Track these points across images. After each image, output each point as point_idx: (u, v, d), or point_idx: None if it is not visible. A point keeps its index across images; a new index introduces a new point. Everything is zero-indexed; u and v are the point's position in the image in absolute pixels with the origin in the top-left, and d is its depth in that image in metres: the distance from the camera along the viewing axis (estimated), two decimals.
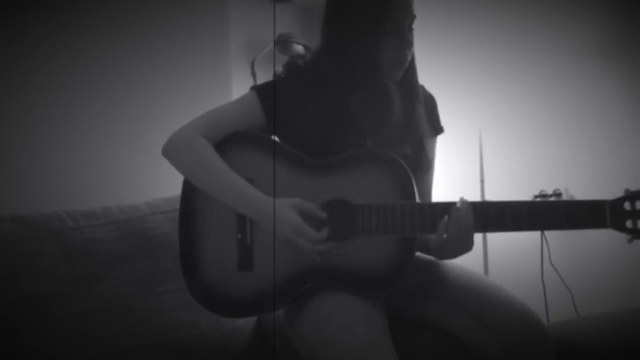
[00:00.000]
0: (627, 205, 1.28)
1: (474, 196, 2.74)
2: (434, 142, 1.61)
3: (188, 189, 1.47)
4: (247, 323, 1.79)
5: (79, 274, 1.61)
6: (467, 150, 2.75)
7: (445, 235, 1.30)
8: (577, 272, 2.63)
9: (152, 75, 2.22)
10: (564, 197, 2.70)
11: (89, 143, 2.09)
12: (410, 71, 1.51)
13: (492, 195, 2.72)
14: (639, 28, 2.44)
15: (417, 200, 1.34)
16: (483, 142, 2.71)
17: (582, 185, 2.64)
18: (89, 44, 2.11)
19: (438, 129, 1.60)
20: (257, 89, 1.51)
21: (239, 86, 2.02)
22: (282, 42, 2.56)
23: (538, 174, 2.75)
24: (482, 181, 2.70)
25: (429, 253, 1.47)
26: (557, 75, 2.67)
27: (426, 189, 1.59)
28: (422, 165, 1.50)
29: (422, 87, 1.60)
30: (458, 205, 1.29)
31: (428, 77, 2.58)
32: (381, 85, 1.43)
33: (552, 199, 2.75)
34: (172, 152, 1.46)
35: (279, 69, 1.60)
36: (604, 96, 2.55)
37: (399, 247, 1.33)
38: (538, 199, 2.77)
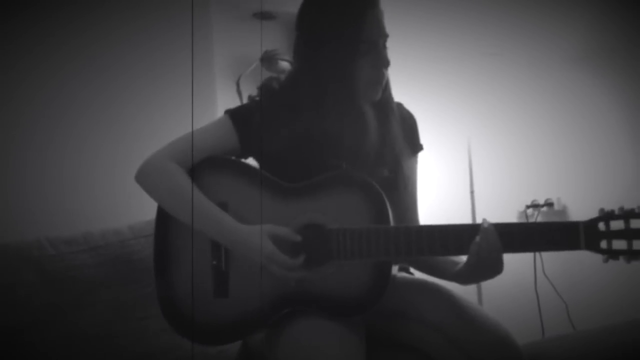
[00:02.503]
0: (601, 226, 1.26)
1: (464, 208, 2.73)
2: (414, 160, 1.60)
3: (162, 214, 1.46)
4: (232, 345, 1.77)
5: (58, 302, 1.60)
6: (456, 162, 2.74)
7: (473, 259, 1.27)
8: (571, 283, 2.60)
9: (135, 96, 2.22)
10: (556, 207, 2.68)
11: (73, 165, 2.08)
12: (386, 90, 1.50)
13: (482, 207, 2.71)
14: (628, 35, 2.42)
15: (392, 223, 1.33)
16: (472, 154, 2.70)
17: (574, 194, 2.63)
18: (67, 68, 2.11)
19: (417, 148, 1.59)
20: (231, 113, 1.51)
21: (224, 105, 2.01)
22: (268, 59, 2.56)
23: (529, 184, 2.74)
24: (472, 192, 2.69)
25: (444, 277, 1.45)
26: (546, 84, 2.66)
27: (407, 208, 1.57)
28: (399, 185, 1.48)
29: (401, 106, 1.59)
30: (485, 225, 1.26)
31: (415, 90, 2.61)
32: (356, 107, 1.42)
33: (544, 209, 2.73)
34: (144, 178, 1.45)
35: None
36: (594, 104, 2.54)
37: (375, 271, 1.31)
38: (530, 209, 2.76)
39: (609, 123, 2.50)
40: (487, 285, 2.83)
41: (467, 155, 2.69)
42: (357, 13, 1.39)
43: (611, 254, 1.26)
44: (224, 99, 2.39)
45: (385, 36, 1.44)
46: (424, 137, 2.53)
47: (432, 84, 2.60)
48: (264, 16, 2.54)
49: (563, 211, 2.66)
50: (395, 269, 1.40)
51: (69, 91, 2.10)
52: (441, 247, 1.29)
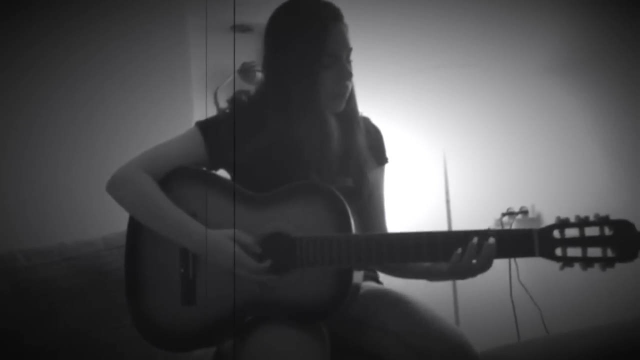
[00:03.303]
0: (556, 233, 1.29)
1: (440, 216, 2.77)
2: (380, 171, 1.63)
3: (133, 223, 1.49)
4: (205, 354, 1.79)
5: (31, 313, 1.63)
6: (431, 172, 2.78)
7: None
8: (545, 289, 2.64)
9: (109, 108, 2.24)
10: (530, 215, 2.72)
11: (48, 177, 2.10)
12: (351, 102, 1.54)
13: (458, 216, 2.75)
14: (599, 46, 2.47)
15: (354, 231, 1.36)
16: (447, 163, 2.74)
17: (548, 201, 2.67)
18: (44, 81, 2.14)
19: (382, 160, 1.63)
20: (200, 125, 1.54)
21: (201, 117, 2.04)
22: (245, 71, 2.60)
23: (504, 192, 2.78)
24: (447, 202, 2.73)
25: (422, 277, 1.48)
26: (519, 94, 2.70)
27: (373, 216, 1.61)
28: (363, 194, 1.52)
29: (367, 120, 1.63)
30: (474, 242, 1.29)
31: (388, 102, 2.65)
32: (320, 118, 1.46)
33: (519, 216, 2.77)
34: (115, 188, 1.48)
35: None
36: (566, 113, 2.58)
37: (337, 278, 1.34)
38: (505, 217, 2.80)
39: (581, 131, 2.54)
40: (463, 290, 2.87)
41: (442, 164, 2.73)
42: (321, 27, 1.44)
43: (566, 261, 1.29)
44: (201, 111, 2.42)
45: (348, 50, 1.48)
46: (399, 148, 2.57)
47: (405, 95, 2.64)
48: (241, 29, 2.58)
49: (537, 218, 2.70)
50: (359, 278, 1.43)
51: (42, 105, 2.13)
52: (400, 255, 1.32)
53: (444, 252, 1.31)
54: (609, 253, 1.29)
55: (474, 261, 1.30)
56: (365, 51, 2.34)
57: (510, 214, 2.76)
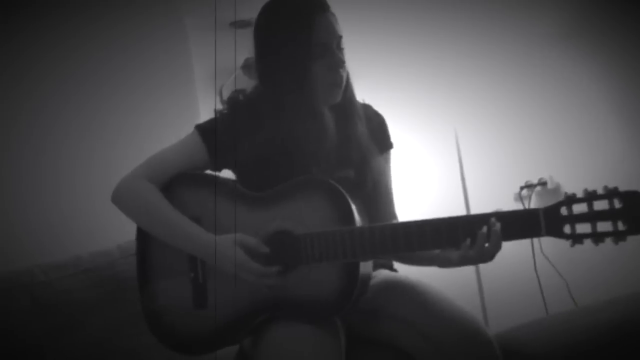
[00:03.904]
0: (564, 210, 1.26)
1: (456, 196, 2.73)
2: (385, 158, 1.61)
3: (142, 231, 1.51)
4: (227, 355, 1.81)
5: (51, 327, 1.65)
6: (445, 152, 2.74)
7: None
8: (570, 260, 2.60)
9: (118, 116, 2.25)
10: (549, 185, 2.67)
11: (58, 189, 2.12)
12: (348, 91, 1.52)
13: (475, 194, 2.71)
14: (609, 12, 2.40)
15: (357, 223, 1.35)
16: (460, 142, 2.70)
17: (565, 171, 2.62)
18: (46, 88, 2.15)
19: (386, 146, 1.61)
20: (199, 128, 1.54)
21: (207, 116, 2.05)
22: (249, 67, 2.57)
23: (520, 166, 2.73)
24: (462, 179, 2.69)
25: (433, 264, 1.44)
26: (528, 65, 2.65)
27: (381, 205, 1.59)
28: (367, 184, 1.50)
29: (368, 107, 1.61)
30: (484, 231, 1.26)
31: (398, 86, 2.60)
32: (314, 111, 1.45)
33: (538, 188, 2.73)
34: (119, 199, 1.49)
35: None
36: (578, 81, 2.53)
37: (344, 271, 1.33)
38: (524, 190, 2.75)
39: (594, 99, 2.48)
40: (486, 268, 2.84)
41: (455, 143, 2.69)
42: (307, 18, 1.43)
43: (575, 239, 1.26)
44: (207, 110, 2.42)
45: (338, 38, 1.46)
46: (411, 132, 2.54)
47: (412, 76, 2.61)
48: (240, 24, 2.56)
49: (556, 189, 2.65)
50: (368, 268, 1.42)
51: (51, 113, 2.14)
52: (405, 245, 1.31)
53: (448, 240, 1.29)
54: (620, 226, 1.26)
55: (486, 245, 1.28)
56: (370, 34, 2.32)
57: (528, 186, 2.72)
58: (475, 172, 2.74)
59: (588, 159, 2.51)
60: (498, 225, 1.26)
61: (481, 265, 2.82)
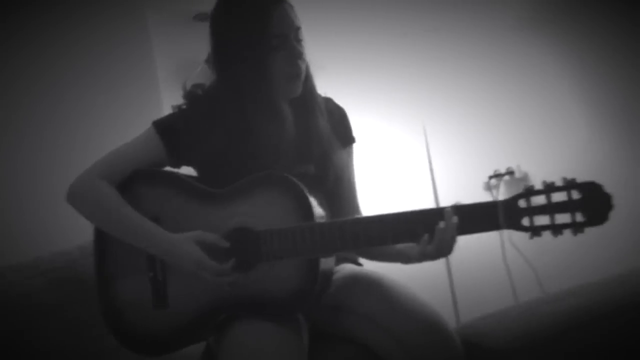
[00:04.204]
0: (522, 203, 1.26)
1: (426, 188, 2.73)
2: (347, 152, 1.59)
3: (100, 230, 1.48)
4: (192, 354, 1.79)
5: (12, 330, 1.61)
6: (413, 145, 2.74)
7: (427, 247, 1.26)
8: (539, 248, 2.62)
9: (78, 113, 2.20)
10: (517, 175, 2.68)
11: (23, 188, 2.07)
12: (307, 84, 1.50)
13: (444, 184, 2.72)
14: None
15: (319, 219, 1.33)
16: (427, 131, 2.70)
17: (533, 160, 2.63)
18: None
19: (348, 140, 1.59)
20: (156, 124, 1.51)
21: (171, 111, 2.01)
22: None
23: (488, 156, 2.74)
24: (431, 170, 2.69)
25: (397, 260, 1.44)
26: (495, 54, 2.65)
27: (344, 200, 1.58)
28: (328, 180, 1.49)
29: (329, 100, 1.59)
30: (442, 226, 1.24)
31: (363, 80, 2.58)
32: (273, 105, 1.43)
33: (506, 177, 2.74)
34: (74, 199, 1.46)
35: None
36: (543, 69, 2.54)
37: (304, 269, 1.32)
38: (493, 180, 2.76)
39: (561, 88, 2.50)
40: (456, 258, 2.85)
41: (423, 135, 2.69)
42: (263, 9, 1.41)
43: (534, 231, 1.26)
44: (171, 105, 2.38)
45: (295, 29, 1.44)
46: (378, 124, 2.53)
47: (379, 67, 2.59)
48: (203, 17, 2.52)
49: (524, 178, 2.66)
50: (330, 264, 1.41)
51: (7, 110, 2.09)
52: (365, 240, 1.29)
53: (407, 234, 1.28)
54: (579, 217, 1.25)
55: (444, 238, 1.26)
56: (337, 28, 2.29)
57: (496, 176, 2.73)
58: (444, 163, 2.75)
59: (555, 148, 2.53)
60: (455, 218, 1.25)
61: (451, 256, 2.84)
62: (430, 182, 2.69)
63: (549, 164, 2.51)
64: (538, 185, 1.26)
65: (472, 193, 2.58)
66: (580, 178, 1.26)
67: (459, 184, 2.73)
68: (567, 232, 1.26)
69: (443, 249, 1.26)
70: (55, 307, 1.67)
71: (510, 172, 2.69)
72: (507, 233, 2.65)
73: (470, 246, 2.75)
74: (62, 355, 1.64)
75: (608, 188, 1.24)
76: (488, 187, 2.74)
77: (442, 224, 1.24)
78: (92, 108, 2.23)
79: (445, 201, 2.38)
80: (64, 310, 1.68)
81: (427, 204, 2.48)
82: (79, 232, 1.86)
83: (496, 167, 2.72)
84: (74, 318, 1.69)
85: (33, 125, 2.14)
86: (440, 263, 2.72)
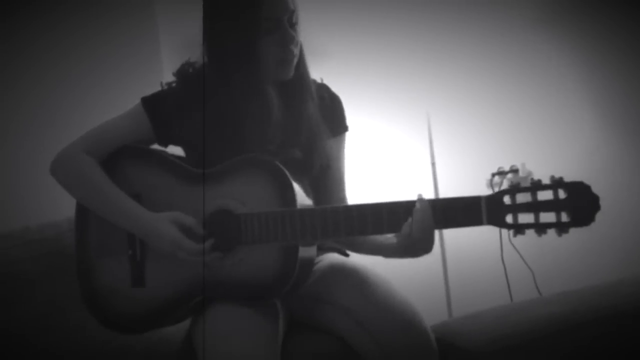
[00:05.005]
0: (507, 199, 1.23)
1: (426, 181, 2.69)
2: (337, 141, 1.57)
3: (81, 206, 1.47)
4: (175, 333, 1.78)
5: None
6: (415, 134, 2.69)
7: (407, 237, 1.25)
8: (539, 249, 2.57)
9: (76, 89, 2.20)
10: (521, 173, 2.63)
11: (14, 160, 2.07)
12: (300, 68, 1.48)
13: (445, 178, 2.67)
14: None
15: (299, 206, 1.31)
16: (432, 125, 2.65)
17: (538, 159, 2.57)
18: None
19: (339, 128, 1.56)
20: (144, 101, 1.50)
21: None
22: None
23: (493, 152, 2.69)
24: (433, 164, 2.65)
25: (380, 253, 1.43)
26: (505, 51, 2.59)
27: (330, 188, 1.56)
28: (314, 166, 1.47)
29: (324, 87, 1.57)
30: (418, 206, 1.23)
31: (369, 69, 2.54)
32: (259, 88, 1.41)
33: (510, 175, 2.69)
34: (56, 171, 1.46)
35: None
36: (551, 67, 2.49)
37: (283, 256, 1.30)
38: (496, 177, 2.71)
39: (568, 86, 2.45)
40: (452, 253, 2.81)
41: (426, 126, 2.65)
42: None
43: (517, 229, 1.23)
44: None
45: (290, 12, 1.41)
46: (381, 114, 2.49)
47: (384, 58, 2.55)
48: None
49: (528, 177, 2.60)
50: (310, 252, 1.39)
51: (8, 82, 2.09)
52: (345, 229, 1.27)
53: (389, 224, 1.25)
54: (564, 217, 1.23)
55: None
56: (339, 14, 2.25)
57: (500, 173, 2.67)
58: (447, 157, 2.70)
59: (561, 149, 2.48)
60: (426, 201, 1.21)
61: (447, 253, 2.81)
62: (431, 175, 2.65)
63: (554, 165, 2.45)
64: None
65: (474, 189, 2.53)
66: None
67: (461, 178, 2.68)
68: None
69: (422, 241, 1.24)
70: (39, 277, 1.67)
71: (514, 171, 2.63)
72: (506, 233, 2.61)
73: (469, 243, 2.75)
74: (45, 325, 1.64)
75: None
76: (490, 185, 2.69)
77: (417, 204, 1.21)
78: (95, 83, 2.22)
79: (445, 195, 2.34)
80: (48, 282, 1.68)
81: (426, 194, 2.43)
82: (70, 204, 1.88)
83: (501, 165, 2.67)
84: (57, 291, 1.68)
85: (35, 95, 2.14)
86: (436, 261, 2.70)
